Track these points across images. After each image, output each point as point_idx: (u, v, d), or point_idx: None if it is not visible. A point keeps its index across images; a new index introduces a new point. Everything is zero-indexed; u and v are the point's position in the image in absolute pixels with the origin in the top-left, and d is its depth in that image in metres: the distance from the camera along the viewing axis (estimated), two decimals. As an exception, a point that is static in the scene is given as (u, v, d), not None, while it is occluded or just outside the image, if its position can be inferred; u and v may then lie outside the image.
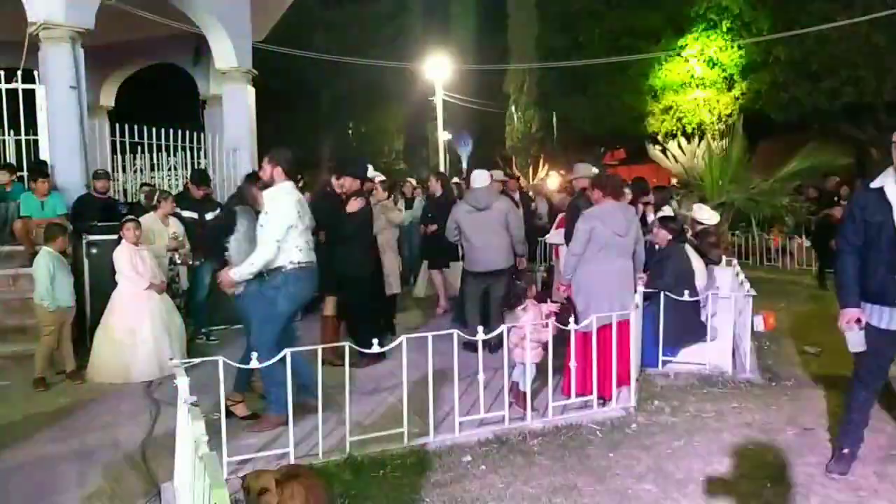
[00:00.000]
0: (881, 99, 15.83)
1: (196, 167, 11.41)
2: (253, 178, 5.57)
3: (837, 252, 4.05)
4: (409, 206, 11.46)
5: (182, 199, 7.92)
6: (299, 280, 4.83)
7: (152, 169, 11.67)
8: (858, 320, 3.84)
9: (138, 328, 6.26)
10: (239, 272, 4.79)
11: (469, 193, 7.07)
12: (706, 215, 7.47)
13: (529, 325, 4.96)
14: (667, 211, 7.89)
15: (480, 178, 6.95)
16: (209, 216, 7.73)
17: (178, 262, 7.39)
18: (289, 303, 4.85)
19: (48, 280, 6.00)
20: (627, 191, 7.28)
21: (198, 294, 7.64)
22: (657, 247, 6.53)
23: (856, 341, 3.87)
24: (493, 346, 5.53)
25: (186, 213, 7.62)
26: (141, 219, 7.15)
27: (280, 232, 4.70)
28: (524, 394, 4.98)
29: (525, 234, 10.69)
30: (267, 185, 4.94)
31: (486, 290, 6.87)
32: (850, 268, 3.89)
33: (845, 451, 4.05)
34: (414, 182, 12.90)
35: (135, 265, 6.35)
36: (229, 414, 4.77)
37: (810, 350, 6.84)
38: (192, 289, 7.64)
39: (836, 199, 14.20)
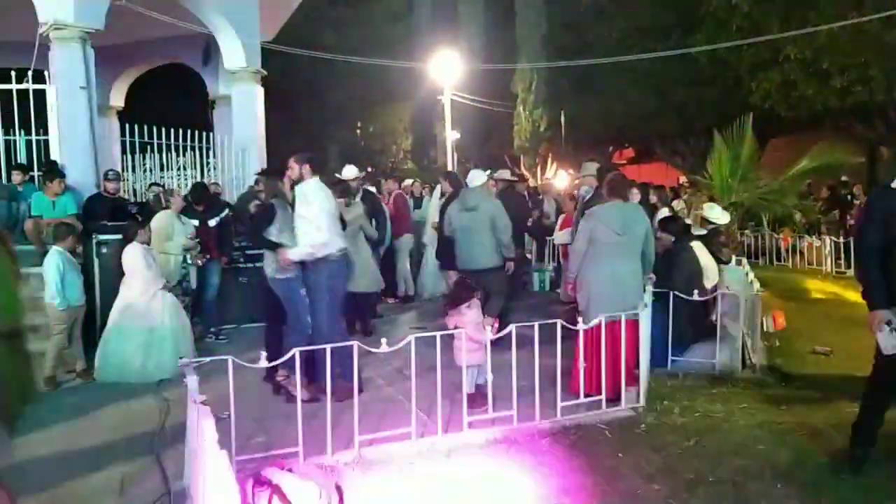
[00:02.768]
0: (892, 97, 15.73)
1: (205, 166, 11.47)
2: (274, 174, 5.96)
3: (859, 254, 4.00)
4: (417, 205, 11.47)
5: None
6: (344, 265, 5.53)
7: (162, 169, 11.71)
8: (889, 321, 3.77)
9: (157, 327, 6.30)
10: (296, 252, 5.32)
11: (462, 193, 7.09)
12: (716, 214, 7.44)
13: (471, 325, 5.01)
14: (665, 212, 7.88)
15: (474, 177, 6.99)
16: (212, 222, 7.76)
17: (190, 261, 7.42)
18: (342, 284, 5.55)
19: (58, 279, 6.04)
20: (635, 190, 7.29)
21: (206, 293, 7.67)
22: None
23: (889, 343, 3.78)
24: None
25: (189, 220, 7.65)
26: (158, 216, 7.19)
27: (324, 218, 5.30)
28: (471, 395, 4.96)
29: (532, 234, 10.82)
30: (296, 183, 5.47)
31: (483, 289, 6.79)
32: (874, 269, 3.83)
33: (857, 451, 4.03)
34: (420, 182, 12.90)
35: (149, 265, 6.39)
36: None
37: (821, 350, 6.81)
38: (200, 288, 7.67)
39: (849, 198, 14.15)
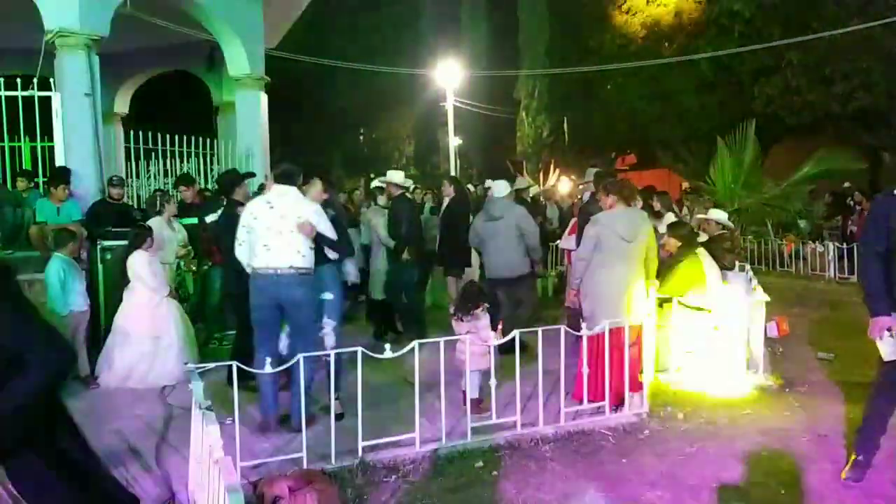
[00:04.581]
0: (894, 103, 15.74)
1: (209, 172, 11.50)
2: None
3: (862, 260, 4.00)
4: (419, 211, 11.48)
5: (180, 208, 7.96)
6: (253, 282, 4.97)
7: (166, 175, 11.75)
8: (890, 328, 3.76)
9: (164, 334, 6.31)
10: None
11: (487, 203, 7.20)
12: (724, 216, 7.47)
13: (484, 330, 5.05)
14: (672, 217, 7.88)
15: (499, 188, 7.11)
16: (209, 218, 7.75)
17: (184, 268, 7.43)
18: (253, 306, 4.99)
19: (59, 285, 6.05)
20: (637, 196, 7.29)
21: (210, 299, 7.68)
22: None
23: (890, 350, 3.79)
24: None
25: (187, 221, 7.66)
26: (149, 224, 7.18)
27: (238, 232, 5.03)
28: (476, 400, 5.02)
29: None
30: None
31: (509, 296, 6.83)
32: (877, 275, 3.82)
33: (860, 458, 4.02)
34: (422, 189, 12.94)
35: (155, 272, 6.41)
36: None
37: (824, 356, 6.80)
38: (204, 294, 7.69)
39: (850, 204, 14.15)
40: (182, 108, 18.44)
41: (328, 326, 5.23)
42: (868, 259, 3.91)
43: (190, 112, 16.15)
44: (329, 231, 5.02)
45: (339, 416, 4.72)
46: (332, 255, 5.18)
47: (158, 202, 7.81)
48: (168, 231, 7.26)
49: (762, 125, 16.89)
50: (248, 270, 5.02)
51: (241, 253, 5.05)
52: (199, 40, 11.89)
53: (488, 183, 7.27)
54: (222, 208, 6.54)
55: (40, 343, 1.96)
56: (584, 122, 23.24)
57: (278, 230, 4.82)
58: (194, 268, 7.50)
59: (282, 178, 5.02)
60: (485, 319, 5.18)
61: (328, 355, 4.85)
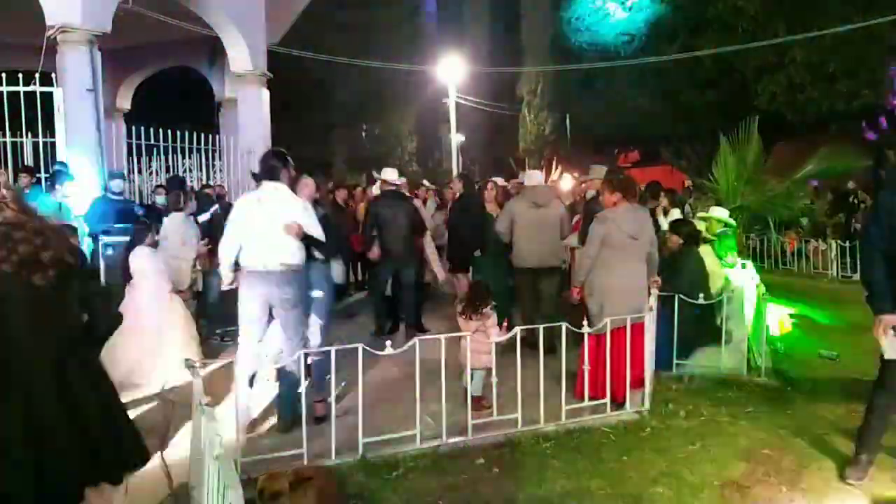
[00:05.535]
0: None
1: (211, 168, 11.52)
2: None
3: (864, 257, 3.98)
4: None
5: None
6: (243, 281, 4.89)
7: (168, 171, 11.75)
8: (894, 326, 3.75)
9: (166, 330, 6.31)
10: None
11: (527, 190, 7.09)
12: (726, 213, 7.46)
13: (492, 329, 5.08)
14: (676, 214, 7.86)
15: (536, 177, 7.17)
16: (201, 218, 7.75)
17: (199, 266, 7.43)
18: (242, 302, 4.90)
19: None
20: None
21: (210, 295, 7.68)
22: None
23: (893, 348, 3.78)
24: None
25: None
26: (170, 220, 7.14)
27: (227, 229, 4.93)
28: (476, 398, 5.02)
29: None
30: None
31: (535, 287, 6.86)
32: (880, 273, 3.81)
33: (862, 456, 4.01)
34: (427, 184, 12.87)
35: (158, 268, 6.40)
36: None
37: (826, 354, 6.78)
38: (205, 290, 7.69)
39: (854, 201, 14.12)
40: (184, 104, 18.41)
41: (314, 325, 5.20)
42: (871, 256, 3.89)
43: (192, 108, 16.13)
44: (317, 230, 4.92)
45: (319, 419, 4.68)
46: (318, 254, 5.12)
47: (182, 199, 7.77)
48: (191, 228, 7.26)
49: (765, 122, 16.86)
50: (228, 266, 4.93)
51: (226, 247, 4.92)
52: (201, 36, 11.89)
53: (529, 174, 7.37)
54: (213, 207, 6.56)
55: None
56: (586, 118, 23.19)
57: (268, 228, 4.75)
58: (206, 265, 7.50)
59: (266, 174, 4.90)
60: (493, 318, 5.19)
61: (317, 355, 4.86)
